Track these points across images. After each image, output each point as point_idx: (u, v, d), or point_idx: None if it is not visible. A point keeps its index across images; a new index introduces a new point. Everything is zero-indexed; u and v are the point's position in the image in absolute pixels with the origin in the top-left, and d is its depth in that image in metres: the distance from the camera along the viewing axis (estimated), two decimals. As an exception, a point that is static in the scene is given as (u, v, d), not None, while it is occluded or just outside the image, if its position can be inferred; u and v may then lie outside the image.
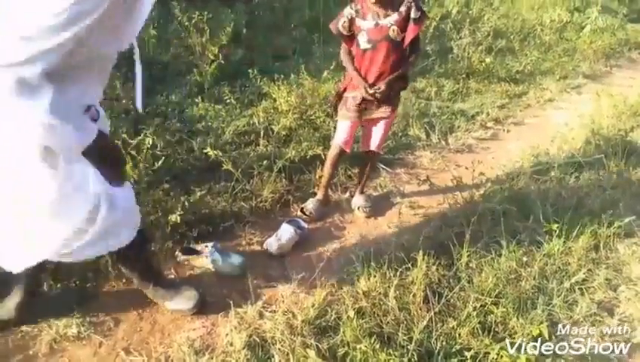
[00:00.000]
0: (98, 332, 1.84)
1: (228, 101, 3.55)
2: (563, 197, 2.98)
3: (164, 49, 4.31)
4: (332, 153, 2.67)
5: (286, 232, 2.43)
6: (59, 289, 1.98)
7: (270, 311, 2.02)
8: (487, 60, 5.29)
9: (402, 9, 2.32)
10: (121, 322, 1.91)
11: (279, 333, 1.83)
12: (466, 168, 3.03)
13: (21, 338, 1.77)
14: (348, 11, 2.38)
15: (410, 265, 2.22)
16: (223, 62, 3.88)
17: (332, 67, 4.04)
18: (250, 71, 3.72)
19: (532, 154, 3.61)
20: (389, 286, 2.10)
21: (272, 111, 3.57)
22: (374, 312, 1.99)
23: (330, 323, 1.94)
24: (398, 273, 2.18)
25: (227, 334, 1.88)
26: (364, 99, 2.48)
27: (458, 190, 2.98)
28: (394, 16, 2.33)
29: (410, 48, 2.44)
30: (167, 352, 1.81)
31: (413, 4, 2.31)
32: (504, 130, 4.26)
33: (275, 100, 3.63)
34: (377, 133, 2.67)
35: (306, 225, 2.53)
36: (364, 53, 2.41)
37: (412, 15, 2.31)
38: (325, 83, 3.93)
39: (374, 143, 2.69)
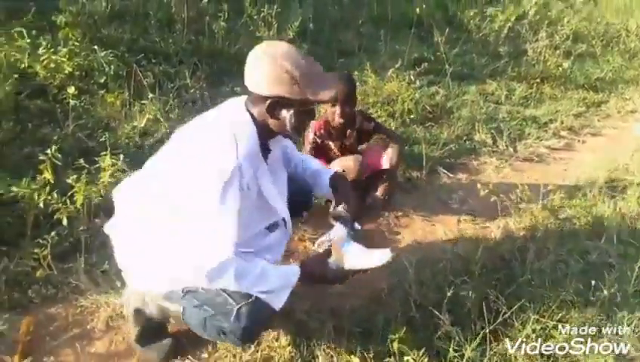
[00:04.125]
0: (151, 315, 1.89)
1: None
2: (642, 217, 2.74)
3: (232, 41, 4.38)
4: None
5: (338, 232, 2.38)
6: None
7: (317, 311, 1.99)
8: (565, 65, 4.98)
9: (358, 124, 2.68)
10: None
11: (325, 334, 1.80)
12: (535, 180, 2.85)
13: (80, 313, 1.85)
14: (312, 137, 2.65)
15: (466, 277, 2.12)
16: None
17: (398, 65, 3.96)
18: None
19: (609, 168, 3.35)
20: (442, 298, 2.01)
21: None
22: (425, 323, 1.91)
23: (377, 329, 1.88)
24: (453, 284, 2.09)
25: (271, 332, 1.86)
26: None
27: (524, 201, 2.82)
28: (354, 134, 2.68)
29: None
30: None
31: (364, 121, 2.70)
32: (579, 141, 3.99)
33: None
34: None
35: (359, 227, 2.48)
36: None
37: (365, 127, 2.70)
38: (390, 82, 3.85)
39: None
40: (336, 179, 1.96)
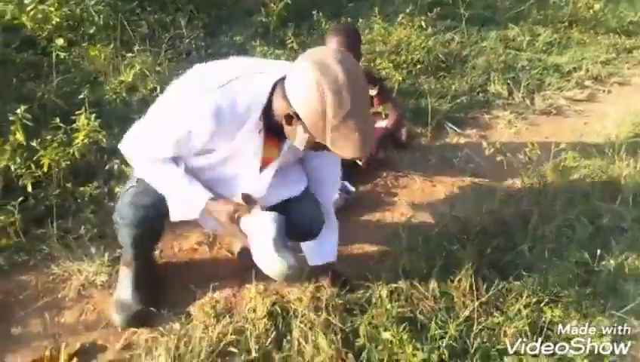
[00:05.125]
0: (125, 283, 1.83)
1: (290, 45, 3.34)
2: (664, 178, 2.52)
3: (234, -14, 4.12)
4: None
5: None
6: (97, 233, 1.98)
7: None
8: (597, 7, 4.54)
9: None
10: (151, 275, 1.89)
11: (303, 306, 1.71)
12: (547, 137, 2.64)
13: (52, 281, 1.80)
14: None
15: (459, 246, 1.98)
16: (289, 2, 3.62)
17: (408, 9, 3.66)
18: (314, 13, 3.43)
19: (633, 122, 3.07)
20: (432, 266, 1.89)
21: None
22: (412, 295, 1.80)
23: (360, 301, 1.78)
24: (445, 251, 1.97)
25: (251, 299, 1.79)
26: None
27: (534, 161, 2.62)
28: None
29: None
30: (189, 310, 1.76)
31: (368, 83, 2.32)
32: (604, 91, 3.68)
33: (340, 46, 3.36)
34: None
35: (352, 189, 2.34)
36: None
37: (371, 93, 2.42)
38: (399, 28, 3.58)
39: None
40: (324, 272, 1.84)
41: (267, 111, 1.35)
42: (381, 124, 2.51)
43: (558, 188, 2.37)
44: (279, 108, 1.31)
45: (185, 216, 1.45)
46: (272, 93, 1.33)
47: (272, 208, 1.53)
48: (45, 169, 1.91)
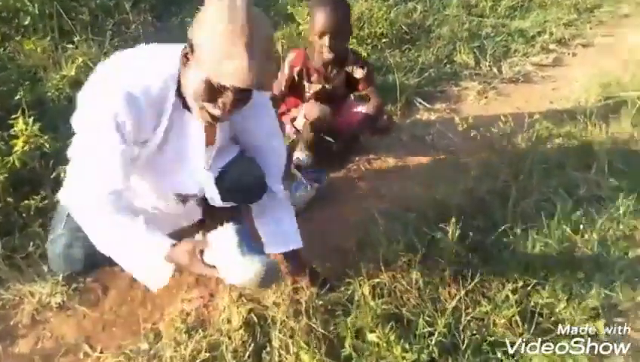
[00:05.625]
0: (84, 302, 1.67)
1: (245, 24, 3.13)
2: (637, 143, 2.49)
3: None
4: None
5: (300, 186, 2.13)
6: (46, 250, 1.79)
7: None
8: (556, -34, 4.48)
9: (349, 68, 2.23)
10: (110, 290, 1.73)
11: (281, 312, 1.60)
12: (519, 107, 2.57)
13: (1, 307, 1.63)
14: (288, 72, 2.20)
15: (442, 225, 1.89)
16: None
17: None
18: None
19: (600, 84, 3.04)
20: (414, 256, 1.80)
21: (295, 35, 3.13)
22: (395, 288, 1.71)
23: (342, 300, 1.68)
24: (426, 238, 1.88)
25: (225, 308, 1.66)
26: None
27: (507, 133, 2.55)
28: (340, 78, 2.23)
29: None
30: (157, 327, 1.62)
31: (355, 65, 2.22)
32: (569, 54, 3.64)
33: (299, 24, 3.18)
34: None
35: (324, 177, 2.22)
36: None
37: (357, 75, 2.24)
38: (360, 1, 3.42)
39: None
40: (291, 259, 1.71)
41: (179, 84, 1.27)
42: (360, 108, 2.35)
43: (534, 161, 2.31)
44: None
45: (149, 281, 1.34)
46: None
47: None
48: (-19, 185, 1.71)
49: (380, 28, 3.37)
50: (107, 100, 1.20)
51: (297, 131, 2.30)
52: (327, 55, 2.09)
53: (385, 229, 1.92)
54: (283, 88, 2.24)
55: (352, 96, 2.42)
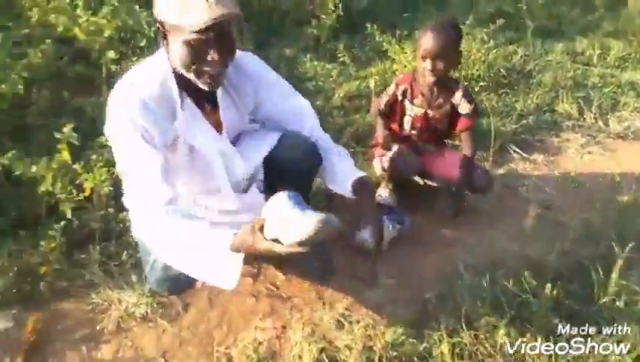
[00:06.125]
0: (165, 316, 1.72)
1: (341, 59, 3.19)
2: None
3: (284, -4, 4.02)
4: None
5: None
6: (139, 259, 1.88)
7: (350, 322, 1.74)
8: (675, 17, 4.17)
9: (456, 99, 2.14)
10: (191, 307, 1.77)
11: (353, 358, 1.54)
12: (628, 165, 2.36)
13: (91, 311, 1.72)
14: (392, 90, 2.18)
15: (531, 296, 1.75)
16: (342, 13, 3.47)
17: (468, 21, 3.44)
18: (368, 25, 3.26)
19: None
20: (500, 316, 1.68)
21: (389, 73, 3.13)
22: (477, 350, 1.60)
23: (419, 352, 1.60)
24: (515, 298, 1.75)
25: (296, 344, 1.64)
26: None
27: (614, 192, 2.35)
28: (445, 108, 2.17)
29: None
30: (229, 352, 1.63)
31: (464, 98, 2.13)
32: (688, 113, 3.32)
33: (393, 61, 3.18)
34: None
35: (407, 219, 2.16)
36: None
37: (462, 110, 2.15)
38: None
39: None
40: (362, 188, 1.62)
41: (177, 75, 1.36)
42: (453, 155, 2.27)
43: (645, 226, 2.10)
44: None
45: (222, 281, 1.37)
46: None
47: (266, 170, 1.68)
48: (87, 193, 1.84)
49: (476, 70, 3.29)
50: (123, 113, 1.30)
51: (384, 168, 2.27)
52: (429, 78, 2.06)
53: (470, 284, 1.82)
54: (383, 105, 2.21)
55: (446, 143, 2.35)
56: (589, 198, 2.37)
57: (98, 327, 1.67)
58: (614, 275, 1.79)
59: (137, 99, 1.30)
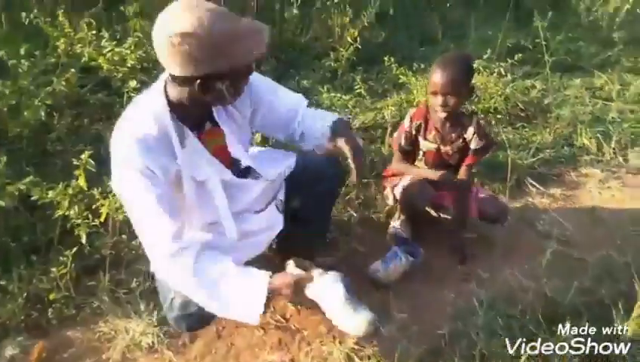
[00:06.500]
0: (172, 347, 1.70)
1: (358, 91, 3.22)
2: None
3: (305, 30, 4.10)
4: None
5: (395, 258, 2.04)
6: (149, 287, 1.88)
7: (360, 357, 1.69)
8: (695, 53, 4.13)
9: (468, 135, 2.12)
10: (198, 338, 1.75)
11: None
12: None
13: (97, 339, 1.71)
14: (408, 125, 2.17)
15: (548, 335, 1.69)
16: (360, 46, 3.52)
17: (487, 55, 3.46)
18: (385, 58, 3.29)
19: None
20: (516, 356, 1.61)
21: (405, 105, 3.14)
22: (490, 391, 1.54)
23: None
24: (531, 337, 1.69)
25: (305, 378, 1.60)
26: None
27: (634, 227, 2.28)
28: (458, 143, 2.14)
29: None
30: (236, 385, 1.60)
31: (477, 133, 2.10)
32: None
33: (411, 92, 3.20)
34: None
35: (421, 251, 2.12)
36: None
37: (472, 145, 2.12)
38: (476, 74, 3.36)
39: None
40: (341, 126, 1.60)
41: (176, 110, 1.34)
42: (482, 195, 2.26)
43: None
44: (190, 90, 1.28)
45: (246, 316, 1.37)
46: (166, 95, 1.33)
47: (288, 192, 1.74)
48: (103, 219, 1.85)
49: (494, 103, 3.28)
50: (124, 157, 1.29)
51: (396, 200, 2.25)
52: (441, 114, 2.04)
53: (484, 320, 1.76)
54: (403, 142, 2.18)
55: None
56: (609, 234, 2.31)
57: (104, 356, 1.66)
58: (635, 313, 1.72)
59: (136, 141, 1.28)
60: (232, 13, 1.25)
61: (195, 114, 1.40)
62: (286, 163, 1.72)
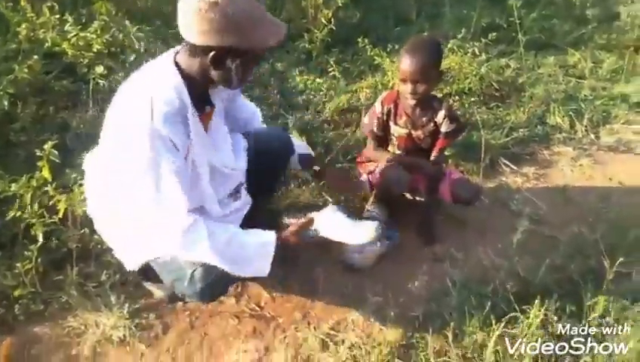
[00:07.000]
0: (144, 339, 1.68)
1: (332, 73, 3.17)
2: None
3: (278, 10, 4.02)
4: None
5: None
6: (119, 280, 1.84)
7: (335, 342, 1.69)
8: (666, 30, 4.17)
9: (439, 118, 2.09)
10: (170, 329, 1.73)
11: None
12: (619, 177, 2.34)
13: (66, 334, 1.67)
14: (379, 110, 2.14)
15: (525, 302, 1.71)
16: (334, 27, 3.47)
17: (461, 34, 3.44)
18: (359, 39, 3.25)
19: None
20: (488, 336, 1.64)
21: (380, 87, 3.11)
22: (462, 372, 1.55)
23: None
24: (503, 316, 1.71)
25: (280, 366, 1.59)
26: None
27: (604, 204, 2.32)
28: (429, 127, 2.12)
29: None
30: (210, 376, 1.59)
31: (447, 117, 2.08)
32: (678, 124, 3.30)
33: (386, 74, 3.17)
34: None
35: (397, 234, 2.12)
36: None
37: (443, 128, 2.10)
38: (449, 55, 3.35)
39: None
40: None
41: (195, 90, 1.38)
42: (454, 176, 2.24)
43: (635, 237, 2.06)
44: (200, 62, 1.33)
45: (259, 270, 1.50)
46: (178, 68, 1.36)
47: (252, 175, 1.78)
48: (61, 215, 1.79)
49: (468, 83, 3.28)
50: (147, 125, 1.27)
51: (372, 185, 2.23)
52: (410, 101, 2.02)
53: (457, 301, 1.78)
54: (375, 128, 2.16)
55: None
56: (580, 211, 2.35)
57: (74, 352, 1.63)
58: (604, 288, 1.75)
59: (161, 112, 1.29)
60: (259, 3, 1.33)
61: (198, 92, 1.41)
62: (245, 146, 1.80)
